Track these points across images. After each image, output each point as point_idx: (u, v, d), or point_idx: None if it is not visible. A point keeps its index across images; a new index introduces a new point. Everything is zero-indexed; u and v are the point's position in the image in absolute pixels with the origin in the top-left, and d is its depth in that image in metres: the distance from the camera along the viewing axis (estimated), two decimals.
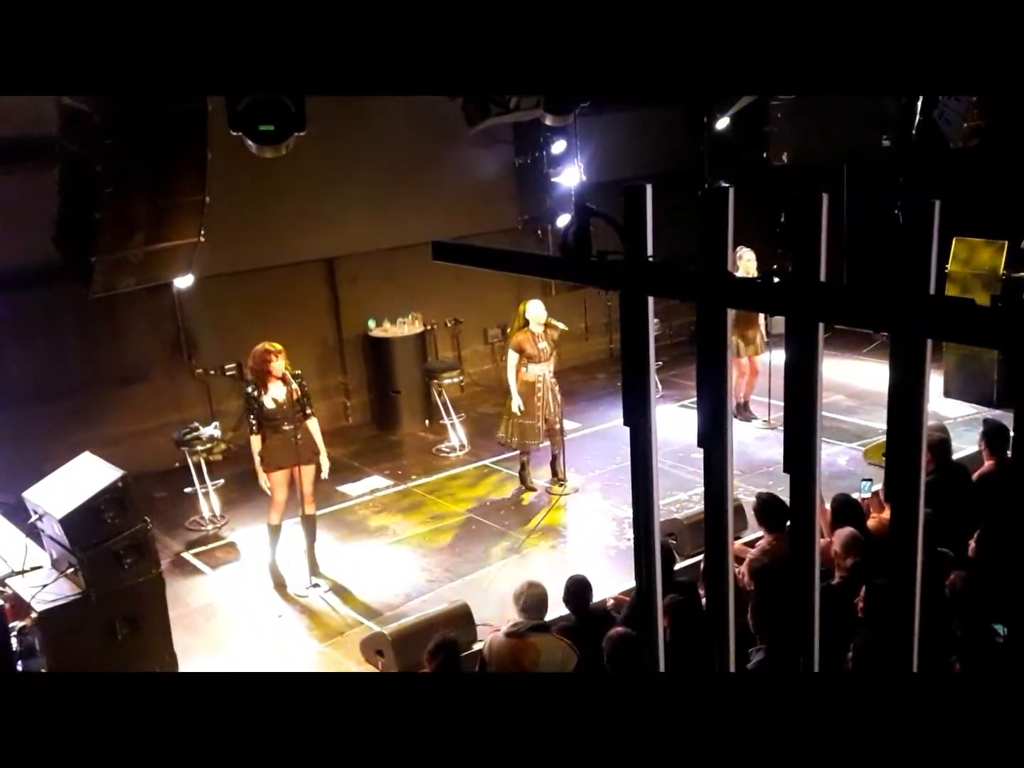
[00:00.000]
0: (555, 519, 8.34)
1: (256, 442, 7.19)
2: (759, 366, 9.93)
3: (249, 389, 7.20)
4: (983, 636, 4.24)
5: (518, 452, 8.86)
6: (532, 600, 5.05)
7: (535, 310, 8.49)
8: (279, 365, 7.10)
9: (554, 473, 8.89)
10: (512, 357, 8.54)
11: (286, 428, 7.14)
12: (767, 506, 5.68)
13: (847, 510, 5.67)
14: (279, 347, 7.15)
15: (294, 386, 7.17)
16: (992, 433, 6.27)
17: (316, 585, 7.33)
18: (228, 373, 9.69)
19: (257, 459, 7.22)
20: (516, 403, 8.48)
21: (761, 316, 9.67)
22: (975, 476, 6.23)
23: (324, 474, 7.48)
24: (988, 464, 6.25)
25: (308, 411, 7.28)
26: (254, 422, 7.17)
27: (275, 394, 7.13)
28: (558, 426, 8.71)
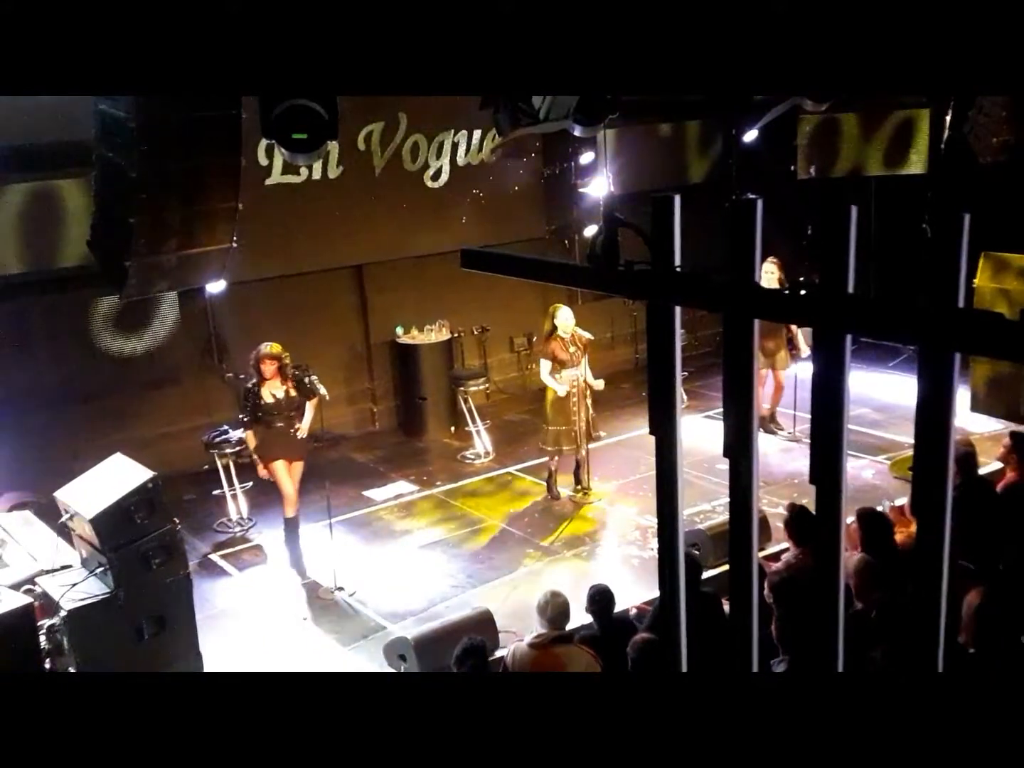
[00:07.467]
0: (579, 528, 8.35)
1: (250, 436, 7.81)
2: (783, 380, 9.85)
3: (250, 383, 7.77)
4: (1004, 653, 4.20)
5: (548, 459, 8.88)
6: (555, 610, 5.04)
7: (564, 317, 8.50)
8: (269, 370, 7.63)
9: (578, 481, 8.89)
10: (545, 365, 8.57)
11: (278, 425, 7.68)
12: (798, 518, 5.54)
13: (875, 524, 5.62)
14: (275, 352, 7.63)
15: (289, 385, 7.67)
16: (1021, 444, 6.24)
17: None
18: None
19: (253, 452, 7.82)
20: (562, 389, 8.43)
21: (793, 330, 9.61)
22: (999, 487, 6.21)
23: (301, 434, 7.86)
24: (1011, 476, 6.22)
25: (312, 395, 7.81)
26: (247, 418, 7.75)
27: (272, 390, 7.66)
28: (591, 433, 8.69)
